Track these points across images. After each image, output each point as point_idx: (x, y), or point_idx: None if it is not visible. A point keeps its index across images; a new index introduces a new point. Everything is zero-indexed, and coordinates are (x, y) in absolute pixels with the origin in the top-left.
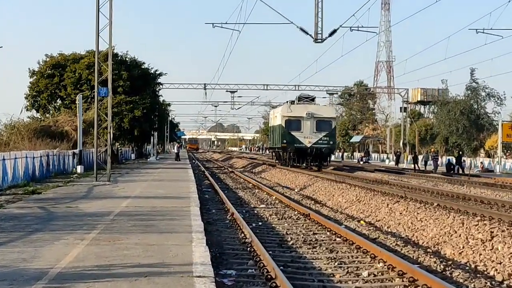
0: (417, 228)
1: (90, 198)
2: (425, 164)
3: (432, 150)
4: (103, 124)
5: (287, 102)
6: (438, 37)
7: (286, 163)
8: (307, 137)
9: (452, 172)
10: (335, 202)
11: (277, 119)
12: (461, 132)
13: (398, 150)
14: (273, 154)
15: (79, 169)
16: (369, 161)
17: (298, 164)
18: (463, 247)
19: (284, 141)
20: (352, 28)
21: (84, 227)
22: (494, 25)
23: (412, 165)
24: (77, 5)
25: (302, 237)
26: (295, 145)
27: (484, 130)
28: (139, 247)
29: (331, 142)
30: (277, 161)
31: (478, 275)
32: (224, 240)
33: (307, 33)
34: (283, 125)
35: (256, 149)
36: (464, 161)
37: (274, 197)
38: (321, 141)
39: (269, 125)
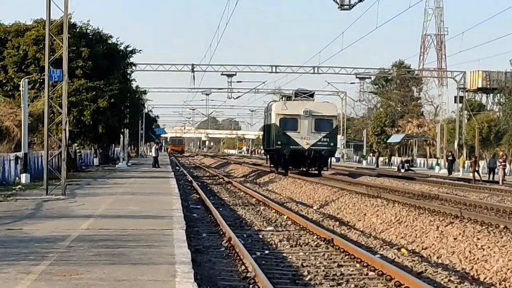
0: (477, 258)
1: (39, 217)
2: (491, 173)
3: (501, 153)
4: (57, 118)
5: (282, 98)
6: (506, 2)
7: (282, 167)
8: (305, 138)
9: None
10: (367, 224)
11: (271, 117)
12: None
13: (450, 153)
14: (267, 157)
15: (23, 178)
16: (413, 168)
17: (294, 169)
18: None
19: (279, 142)
20: None
21: (30, 257)
22: None
23: (471, 174)
24: None
25: (323, 270)
26: (291, 147)
27: None
28: (104, 284)
29: (331, 144)
30: (271, 165)
31: None
32: (218, 274)
33: None
34: (278, 124)
35: (262, 152)
36: None
37: (285, 217)
38: (321, 143)
39: (264, 124)
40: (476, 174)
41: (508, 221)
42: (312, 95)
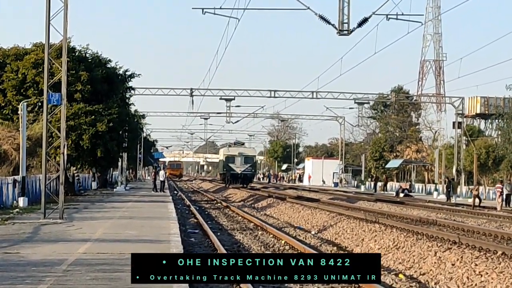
0: (475, 284)
1: (36, 241)
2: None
3: None
4: (55, 142)
5: (227, 145)
6: (505, 28)
7: (226, 183)
8: (238, 167)
9: None
10: (365, 249)
11: (221, 155)
12: None
13: (447, 178)
14: (220, 177)
15: (21, 202)
16: (411, 193)
17: (233, 184)
18: None
19: (224, 169)
20: (389, 16)
21: (27, 281)
22: None
23: (469, 200)
24: None
25: None
26: (231, 172)
27: None
28: None
29: (252, 170)
30: (222, 182)
31: None
32: None
33: (329, 22)
34: (224, 159)
35: (261, 176)
36: None
37: (283, 242)
38: (247, 170)
39: (218, 159)
40: (477, 199)
41: (506, 247)
42: (243, 144)
